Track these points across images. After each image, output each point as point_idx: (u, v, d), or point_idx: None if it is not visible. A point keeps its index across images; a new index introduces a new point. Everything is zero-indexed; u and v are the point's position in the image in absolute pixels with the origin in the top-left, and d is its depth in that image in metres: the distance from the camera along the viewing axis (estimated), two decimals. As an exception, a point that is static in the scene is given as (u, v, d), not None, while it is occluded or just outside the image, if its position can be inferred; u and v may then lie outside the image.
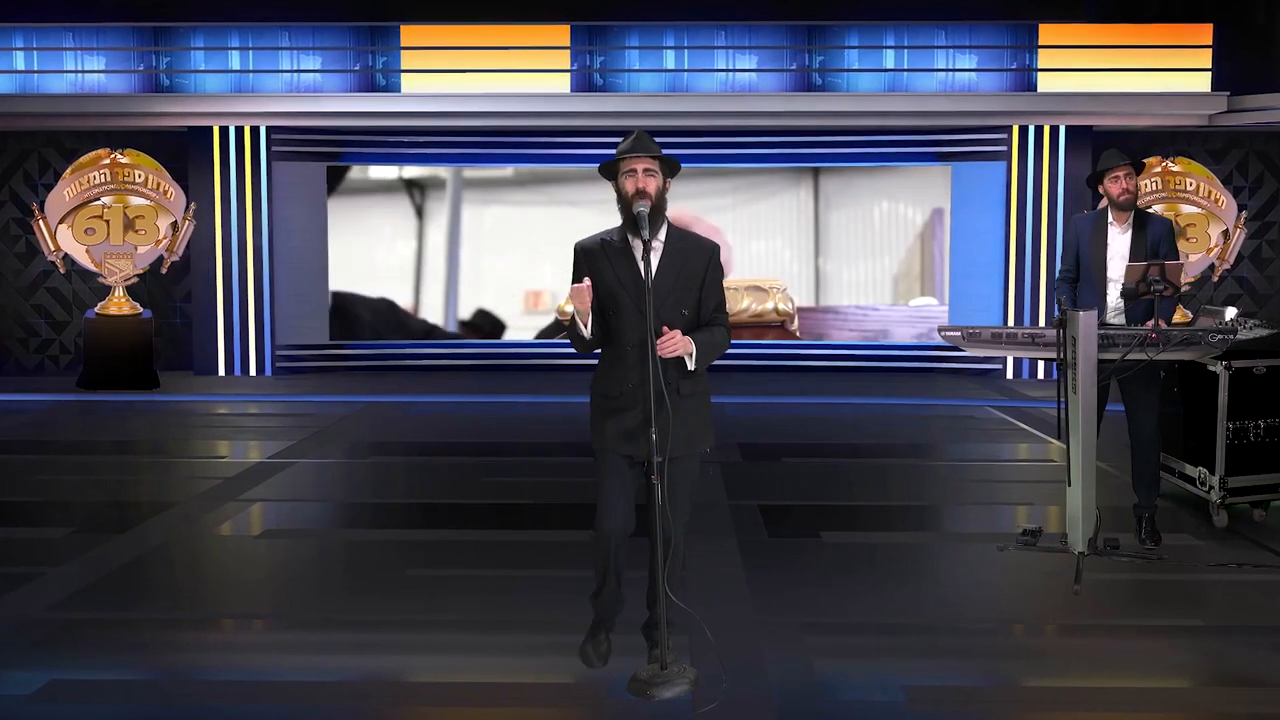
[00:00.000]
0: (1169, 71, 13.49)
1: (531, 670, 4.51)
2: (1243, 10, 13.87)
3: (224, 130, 13.95)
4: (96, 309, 13.06)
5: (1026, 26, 13.72)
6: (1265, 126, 13.69)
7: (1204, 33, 13.51)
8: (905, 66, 13.71)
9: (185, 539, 6.51)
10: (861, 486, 8.03)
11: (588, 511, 4.28)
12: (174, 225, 13.16)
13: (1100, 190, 6.16)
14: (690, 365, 4.04)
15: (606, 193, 4.20)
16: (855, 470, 8.62)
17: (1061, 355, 5.65)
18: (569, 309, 4.16)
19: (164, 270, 13.37)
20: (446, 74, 13.70)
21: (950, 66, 13.70)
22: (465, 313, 14.68)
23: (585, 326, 4.06)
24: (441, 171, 14.68)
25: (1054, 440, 9.14)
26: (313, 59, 13.79)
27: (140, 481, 8.31)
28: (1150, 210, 7.58)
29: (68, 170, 13.30)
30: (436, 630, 4.95)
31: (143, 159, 13.24)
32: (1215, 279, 13.85)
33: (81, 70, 13.77)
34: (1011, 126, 13.85)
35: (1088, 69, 13.57)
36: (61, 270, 13.43)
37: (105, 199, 13.10)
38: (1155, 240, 6.05)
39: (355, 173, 14.69)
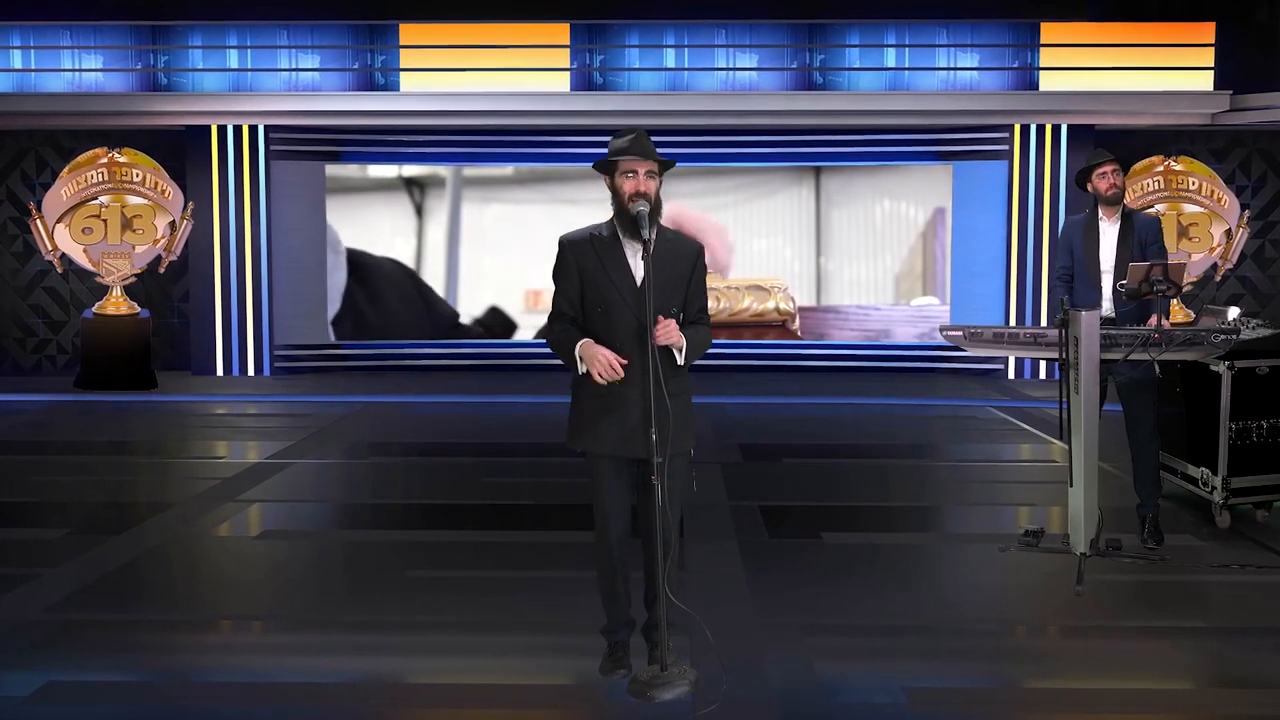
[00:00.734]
0: (1171, 70, 13.46)
1: (531, 672, 4.50)
2: (1245, 9, 13.85)
3: (222, 129, 13.92)
4: (94, 309, 13.03)
5: (1028, 25, 13.70)
6: (1268, 125, 13.67)
7: (1206, 31, 13.49)
8: (906, 65, 13.68)
9: (183, 540, 6.49)
10: (862, 487, 8.01)
11: (587, 512, 4.26)
12: (172, 225, 13.13)
13: (1089, 188, 6.29)
14: (679, 359, 4.05)
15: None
16: (856, 471, 8.60)
17: (1064, 355, 5.66)
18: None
19: (162, 270, 13.35)
20: (446, 73, 13.68)
21: (952, 65, 13.67)
22: (465, 312, 14.66)
23: (579, 369, 4.03)
24: (441, 170, 14.67)
25: (1056, 441, 9.12)
26: (311, 58, 13.76)
27: (138, 482, 8.29)
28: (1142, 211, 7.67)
29: (65, 169, 13.28)
30: (436, 631, 4.93)
31: (140, 158, 13.21)
32: (1218, 278, 13.83)
33: (79, 69, 13.74)
34: (1013, 125, 13.82)
35: (1090, 68, 13.54)
36: (59, 270, 13.38)
37: (103, 198, 13.08)
38: (1143, 233, 6.19)
39: (354, 171, 14.68)
